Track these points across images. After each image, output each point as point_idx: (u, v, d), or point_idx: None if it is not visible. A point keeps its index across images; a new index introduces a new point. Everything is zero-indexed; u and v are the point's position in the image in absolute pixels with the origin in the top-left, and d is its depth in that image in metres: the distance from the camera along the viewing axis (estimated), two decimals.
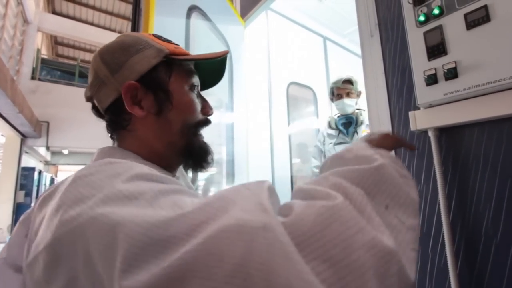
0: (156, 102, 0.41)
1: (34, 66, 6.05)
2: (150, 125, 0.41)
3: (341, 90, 1.58)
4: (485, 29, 0.53)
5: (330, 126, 1.67)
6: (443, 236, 0.60)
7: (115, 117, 0.41)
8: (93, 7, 8.11)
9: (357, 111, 1.60)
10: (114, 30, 8.67)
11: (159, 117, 0.41)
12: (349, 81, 1.58)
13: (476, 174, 0.58)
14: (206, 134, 0.49)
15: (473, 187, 0.58)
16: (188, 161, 0.45)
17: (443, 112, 0.60)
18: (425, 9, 0.62)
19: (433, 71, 0.60)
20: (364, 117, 1.56)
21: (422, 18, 0.62)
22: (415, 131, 0.66)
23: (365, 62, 0.82)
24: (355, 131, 1.57)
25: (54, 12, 7.84)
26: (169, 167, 0.44)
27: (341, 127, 1.60)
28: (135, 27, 0.83)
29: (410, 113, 0.66)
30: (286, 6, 2.30)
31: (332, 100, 1.67)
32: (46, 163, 8.28)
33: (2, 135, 4.91)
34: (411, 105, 0.70)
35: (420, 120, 0.64)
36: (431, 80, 0.60)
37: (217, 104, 1.45)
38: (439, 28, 0.60)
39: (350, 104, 1.57)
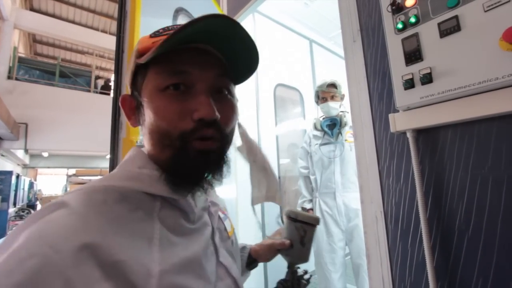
0: (137, 111, 0.38)
1: (11, 65, 5.78)
2: (144, 136, 0.37)
3: (326, 93, 1.63)
4: (456, 38, 0.57)
5: (315, 128, 1.71)
6: (421, 231, 0.63)
7: None
8: (74, 5, 7.84)
9: (341, 113, 1.65)
10: (97, 29, 8.41)
11: (142, 127, 0.37)
12: (333, 85, 1.63)
13: (450, 173, 0.62)
14: None
15: (447, 185, 0.62)
16: (175, 180, 0.34)
17: (420, 114, 0.64)
18: (402, 17, 0.66)
19: (410, 76, 0.63)
20: (348, 119, 1.61)
21: (400, 25, 0.66)
22: (394, 132, 0.70)
23: (348, 66, 0.85)
24: (340, 132, 1.61)
25: (32, 9, 7.52)
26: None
27: (326, 129, 1.65)
28: (120, 29, 0.82)
29: (390, 116, 0.69)
30: (273, 9, 2.33)
31: (317, 103, 1.72)
32: (25, 166, 7.90)
33: None
34: (391, 108, 0.74)
35: (399, 122, 0.68)
36: (409, 84, 0.63)
37: None
38: (416, 35, 0.63)
39: (335, 107, 1.62)
